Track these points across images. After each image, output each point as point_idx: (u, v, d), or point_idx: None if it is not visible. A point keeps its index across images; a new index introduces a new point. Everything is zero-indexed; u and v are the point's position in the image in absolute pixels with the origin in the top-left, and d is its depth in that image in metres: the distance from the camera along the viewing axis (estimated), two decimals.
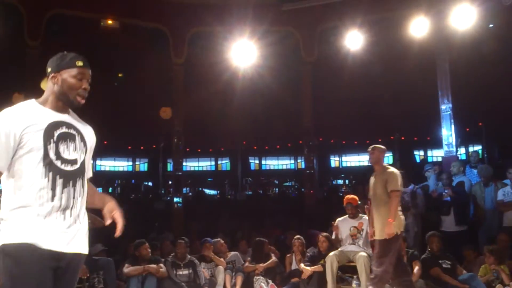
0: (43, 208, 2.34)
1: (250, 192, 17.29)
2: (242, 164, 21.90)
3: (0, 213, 2.35)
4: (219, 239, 7.71)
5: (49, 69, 2.56)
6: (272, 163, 25.33)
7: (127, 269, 6.52)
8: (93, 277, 6.36)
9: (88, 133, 2.71)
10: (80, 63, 2.60)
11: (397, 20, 9.73)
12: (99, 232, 6.54)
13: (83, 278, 5.97)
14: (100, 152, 20.73)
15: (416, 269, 6.35)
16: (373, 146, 5.87)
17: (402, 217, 5.68)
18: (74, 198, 2.46)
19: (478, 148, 15.98)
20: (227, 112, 14.27)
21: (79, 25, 10.43)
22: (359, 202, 6.85)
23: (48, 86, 2.55)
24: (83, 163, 2.55)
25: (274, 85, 11.90)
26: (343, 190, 14.32)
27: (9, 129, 2.31)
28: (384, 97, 13.11)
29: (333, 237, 6.89)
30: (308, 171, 11.37)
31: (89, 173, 2.66)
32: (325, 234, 7.04)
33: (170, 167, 15.18)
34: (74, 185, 2.46)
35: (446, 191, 7.72)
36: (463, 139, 14.60)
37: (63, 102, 2.55)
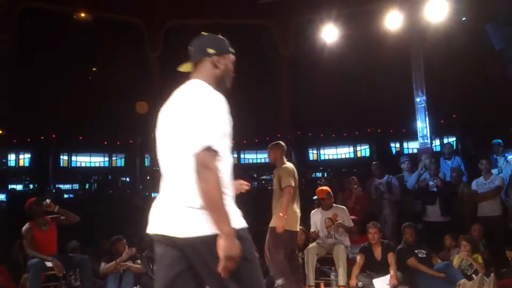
0: (231, 196, 2.36)
1: None
2: None
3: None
4: None
5: (211, 51, 2.48)
6: (250, 157, 25.34)
7: (102, 268, 6.47)
8: (70, 275, 6.26)
9: None
10: (233, 50, 2.57)
11: (372, 13, 9.81)
12: (73, 228, 6.51)
13: (59, 276, 5.88)
14: (75, 147, 20.46)
15: (391, 261, 6.39)
16: (270, 145, 5.93)
17: (298, 214, 5.74)
18: None
19: (452, 139, 16.28)
20: None
21: (51, 19, 10.23)
22: (330, 194, 6.84)
23: (205, 68, 2.49)
24: None
25: (251, 79, 11.88)
26: (321, 183, 14.42)
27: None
28: (360, 90, 13.22)
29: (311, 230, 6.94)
30: None
31: None
32: (300, 227, 7.07)
33: (147, 162, 15.04)
34: None
35: (434, 181, 7.82)
36: (438, 131, 14.84)
37: (217, 86, 2.46)
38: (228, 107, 2.29)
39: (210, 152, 2.17)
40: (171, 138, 2.34)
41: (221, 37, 2.56)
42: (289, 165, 5.78)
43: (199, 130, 2.19)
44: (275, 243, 5.57)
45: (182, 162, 2.25)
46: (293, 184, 5.59)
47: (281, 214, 5.47)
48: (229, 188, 2.33)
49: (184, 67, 2.57)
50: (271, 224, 5.63)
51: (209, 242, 2.17)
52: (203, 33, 2.57)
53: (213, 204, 2.18)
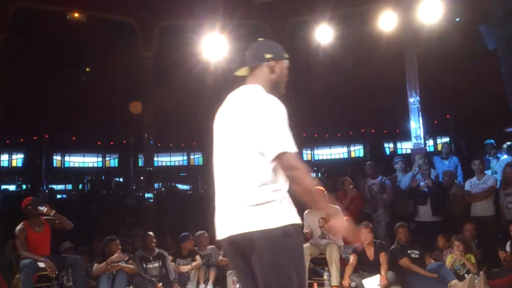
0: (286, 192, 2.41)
1: None
2: None
3: (264, 194, 2.31)
4: (203, 231, 7.64)
5: (268, 56, 2.53)
6: None
7: (94, 269, 6.45)
8: (62, 275, 6.25)
9: None
10: (287, 56, 2.62)
11: (366, 14, 9.82)
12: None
13: (52, 277, 5.86)
14: (68, 147, 20.39)
15: (383, 261, 6.39)
16: None
17: None
18: None
19: (445, 140, 16.35)
20: (199, 107, 14.18)
21: (45, 19, 10.18)
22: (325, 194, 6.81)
23: (261, 73, 2.55)
24: None
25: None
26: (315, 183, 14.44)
27: None
28: (354, 90, 13.25)
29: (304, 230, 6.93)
30: None
31: None
32: None
33: (141, 162, 15.02)
34: None
35: (425, 181, 7.85)
36: (431, 132, 14.90)
37: (272, 91, 2.52)
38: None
39: (290, 154, 2.29)
40: (236, 141, 2.40)
41: (276, 43, 2.62)
42: None
43: (277, 136, 2.30)
44: None
45: (248, 164, 2.34)
46: None
47: None
48: (285, 185, 2.39)
49: (241, 72, 2.62)
50: None
51: (271, 235, 2.26)
52: (259, 39, 2.65)
53: (313, 197, 2.39)
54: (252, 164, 2.33)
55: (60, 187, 19.04)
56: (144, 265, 6.67)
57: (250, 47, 2.60)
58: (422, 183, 7.87)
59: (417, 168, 8.40)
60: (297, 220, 2.38)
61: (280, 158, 2.27)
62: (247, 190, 2.32)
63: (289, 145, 2.30)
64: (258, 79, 2.53)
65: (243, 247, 2.32)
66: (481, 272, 5.76)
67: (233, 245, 2.38)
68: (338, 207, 6.79)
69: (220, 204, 2.44)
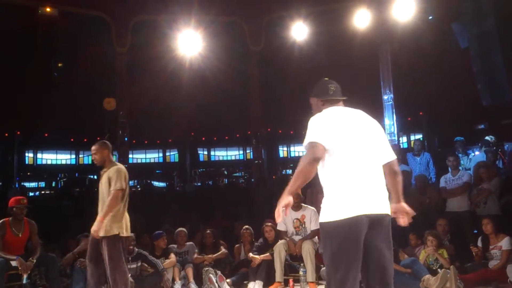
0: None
1: (199, 184, 17.21)
2: (191, 156, 21.77)
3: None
4: (182, 229, 7.58)
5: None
6: (221, 154, 25.32)
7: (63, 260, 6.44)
8: (34, 274, 6.14)
9: None
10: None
11: (341, 11, 9.88)
12: (39, 226, 6.36)
13: (23, 275, 5.76)
14: (41, 144, 19.99)
15: None
16: (95, 144, 5.45)
17: (127, 217, 5.32)
18: None
19: (418, 136, 16.60)
20: (175, 103, 14.09)
21: (16, 13, 9.93)
22: (300, 195, 6.85)
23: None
24: None
25: (222, 75, 11.83)
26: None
27: None
28: None
29: (278, 227, 6.95)
30: (256, 161, 11.41)
31: None
32: (269, 224, 7.08)
33: (115, 159, 14.83)
34: None
35: None
36: (405, 128, 15.09)
37: None
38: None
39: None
40: (373, 146, 3.12)
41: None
42: (121, 166, 5.33)
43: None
44: (116, 252, 5.08)
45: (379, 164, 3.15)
46: (124, 187, 5.19)
47: (99, 217, 5.05)
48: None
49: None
50: (101, 234, 5.09)
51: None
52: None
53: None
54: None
55: (32, 184, 18.68)
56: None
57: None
58: None
59: None
60: (332, 217, 2.97)
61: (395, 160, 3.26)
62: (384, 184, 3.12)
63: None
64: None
65: (382, 223, 3.04)
66: (452, 267, 5.87)
67: (374, 221, 2.96)
68: (313, 208, 6.85)
69: (367, 189, 3.00)
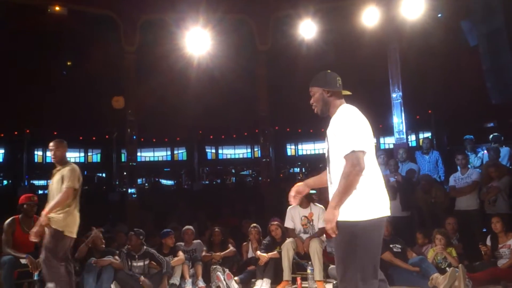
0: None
1: (207, 182, 17.25)
2: (199, 154, 21.80)
3: None
4: (190, 227, 7.61)
5: None
6: (228, 152, 25.34)
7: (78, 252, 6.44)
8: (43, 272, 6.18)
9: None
10: None
11: (349, 9, 9.84)
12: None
13: (34, 272, 5.81)
14: (49, 143, 20.12)
15: None
16: (55, 141, 5.45)
17: (78, 221, 5.31)
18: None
19: (427, 135, 16.52)
20: (183, 101, 14.11)
21: (26, 12, 9.99)
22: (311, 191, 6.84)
23: None
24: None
25: (229, 73, 11.84)
26: (299, 178, 14.49)
27: None
28: None
29: (286, 225, 6.94)
30: (264, 159, 11.41)
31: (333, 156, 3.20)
32: (276, 222, 7.08)
33: (124, 157, 14.91)
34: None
35: (395, 177, 7.94)
36: (413, 127, 15.02)
37: None
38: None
39: None
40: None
41: None
42: (75, 166, 5.35)
43: None
44: (54, 246, 5.13)
45: None
46: (77, 186, 5.23)
47: (45, 210, 5.12)
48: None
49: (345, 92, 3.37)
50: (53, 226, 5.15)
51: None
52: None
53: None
54: None
55: (41, 182, 18.81)
56: (129, 263, 6.63)
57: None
58: (392, 179, 7.96)
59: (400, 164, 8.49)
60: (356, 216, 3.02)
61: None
62: None
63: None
64: None
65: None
66: (460, 265, 5.85)
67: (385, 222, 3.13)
68: (322, 206, 6.83)
69: (384, 190, 3.11)
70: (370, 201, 2.97)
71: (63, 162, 5.40)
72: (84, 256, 6.49)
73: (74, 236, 5.32)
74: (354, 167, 2.92)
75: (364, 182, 2.99)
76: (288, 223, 6.88)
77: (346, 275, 2.94)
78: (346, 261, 2.94)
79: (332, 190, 3.13)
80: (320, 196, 7.57)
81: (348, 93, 3.34)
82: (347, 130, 3.02)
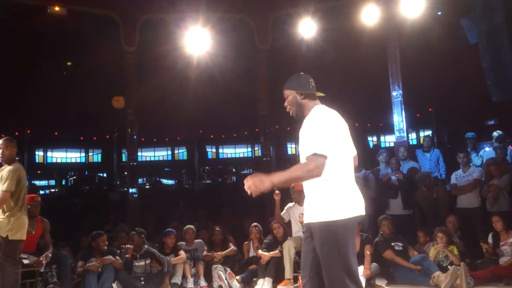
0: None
1: (208, 181, 17.24)
2: (199, 153, 21.77)
3: None
4: (191, 226, 7.61)
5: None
6: (229, 152, 25.32)
7: (82, 267, 6.39)
8: (46, 271, 6.20)
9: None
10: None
11: (349, 8, 9.83)
12: (50, 224, 6.42)
13: (39, 271, 5.83)
14: (51, 143, 20.12)
15: (367, 253, 6.41)
16: (4, 139, 5.29)
17: (26, 223, 5.22)
18: None
19: (428, 133, 16.50)
20: (183, 101, 14.10)
21: (25, 12, 9.98)
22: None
23: None
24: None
25: (229, 73, 11.82)
26: None
27: None
28: (337, 84, 13.26)
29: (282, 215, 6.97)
30: (264, 158, 11.40)
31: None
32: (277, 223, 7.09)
33: (124, 157, 14.90)
34: None
35: (396, 175, 7.94)
36: (414, 125, 15.01)
37: None
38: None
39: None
40: (350, 146, 3.25)
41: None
42: (19, 167, 5.19)
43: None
44: (7, 252, 5.02)
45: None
46: (13, 189, 5.03)
47: None
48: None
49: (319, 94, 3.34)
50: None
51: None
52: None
53: None
54: None
55: (43, 183, 18.83)
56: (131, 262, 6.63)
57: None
58: (393, 177, 7.96)
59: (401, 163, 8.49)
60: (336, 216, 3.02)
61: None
62: None
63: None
64: None
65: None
66: (462, 263, 5.85)
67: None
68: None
69: (357, 189, 3.13)
70: (345, 201, 2.99)
71: (10, 161, 5.23)
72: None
73: (22, 238, 5.18)
74: (312, 169, 2.91)
75: (337, 183, 3.01)
76: (284, 215, 6.96)
77: (333, 276, 2.92)
78: (330, 261, 2.93)
79: (305, 190, 3.20)
80: None
81: (322, 94, 3.33)
82: (314, 133, 3.02)
